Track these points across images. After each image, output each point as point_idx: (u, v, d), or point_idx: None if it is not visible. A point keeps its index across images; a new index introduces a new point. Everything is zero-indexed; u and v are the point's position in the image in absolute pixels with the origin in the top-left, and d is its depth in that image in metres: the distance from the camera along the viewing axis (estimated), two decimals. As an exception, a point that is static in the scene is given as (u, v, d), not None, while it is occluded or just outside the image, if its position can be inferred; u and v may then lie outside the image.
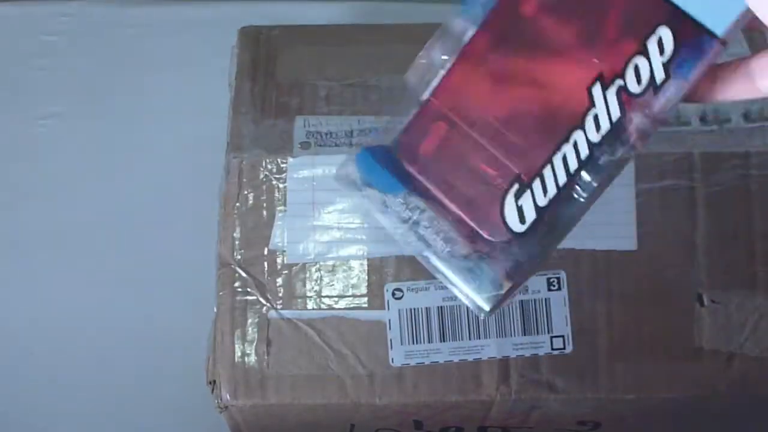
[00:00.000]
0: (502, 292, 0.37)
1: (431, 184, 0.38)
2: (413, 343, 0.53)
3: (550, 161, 0.36)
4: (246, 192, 0.55)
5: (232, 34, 0.63)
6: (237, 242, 0.55)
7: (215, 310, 0.55)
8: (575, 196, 0.36)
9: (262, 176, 0.55)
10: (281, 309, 0.54)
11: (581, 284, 0.54)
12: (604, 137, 0.35)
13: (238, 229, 0.55)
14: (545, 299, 0.54)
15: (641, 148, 0.35)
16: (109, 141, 0.77)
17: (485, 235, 0.37)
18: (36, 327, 0.71)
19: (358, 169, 0.39)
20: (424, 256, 0.38)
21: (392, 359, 0.53)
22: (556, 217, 0.36)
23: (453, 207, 0.37)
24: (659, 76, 0.34)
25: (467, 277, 0.37)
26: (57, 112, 0.78)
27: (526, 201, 0.36)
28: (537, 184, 0.36)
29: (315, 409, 0.54)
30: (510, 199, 0.36)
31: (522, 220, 0.36)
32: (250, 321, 0.54)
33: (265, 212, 0.55)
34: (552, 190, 0.36)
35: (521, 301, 0.54)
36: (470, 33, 0.37)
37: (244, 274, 0.54)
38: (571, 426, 0.56)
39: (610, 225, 0.54)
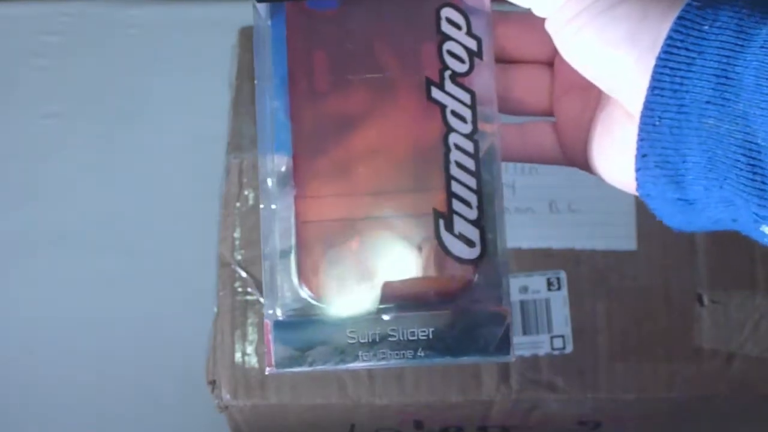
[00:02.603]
0: (507, 324, 0.34)
1: (362, 301, 0.35)
2: (413, 343, 0.53)
3: (449, 177, 0.35)
4: (246, 192, 0.55)
5: (232, 34, 0.63)
6: (237, 242, 0.55)
7: (215, 310, 0.55)
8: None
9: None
10: (281, 309, 0.54)
11: (581, 284, 0.54)
12: (473, 122, 0.35)
13: (238, 229, 0.55)
14: (545, 299, 0.54)
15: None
16: (109, 141, 0.77)
17: (453, 292, 0.34)
18: (36, 327, 0.71)
19: (284, 350, 0.34)
20: (418, 357, 0.34)
21: (392, 359, 0.53)
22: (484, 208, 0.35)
23: (402, 299, 0.34)
24: (470, 43, 0.35)
25: (467, 343, 0.34)
26: (57, 112, 0.78)
27: (460, 225, 0.35)
28: (457, 204, 0.35)
29: (315, 409, 0.54)
30: (446, 236, 0.35)
31: (471, 244, 0.34)
32: (250, 321, 0.54)
33: (265, 212, 0.55)
34: (471, 198, 0.35)
35: (521, 301, 0.54)
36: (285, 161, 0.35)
37: (244, 274, 0.54)
38: (571, 426, 0.56)
39: (610, 225, 0.54)
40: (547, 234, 0.55)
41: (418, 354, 0.34)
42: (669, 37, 0.29)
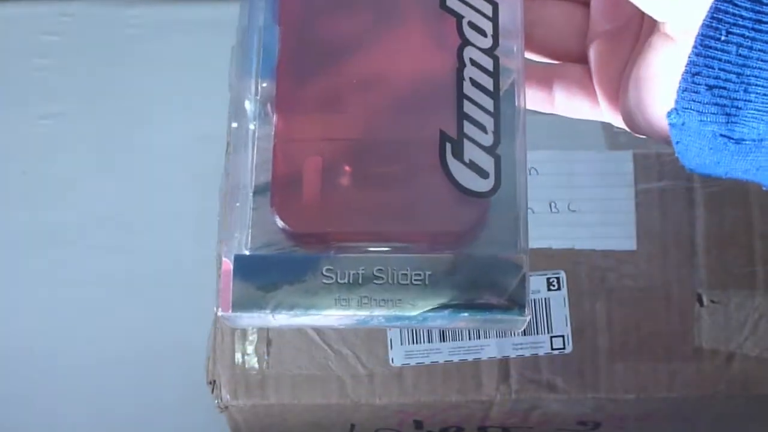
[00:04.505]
0: (522, 275, 0.28)
1: (349, 229, 0.29)
2: (413, 343, 0.53)
3: (462, 96, 0.29)
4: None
5: (232, 34, 0.62)
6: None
7: (215, 310, 0.55)
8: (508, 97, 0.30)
9: (262, 176, 0.55)
10: (281, 309, 0.54)
11: (581, 284, 0.54)
12: (493, 36, 0.30)
13: (238, 230, 0.55)
14: (545, 299, 0.54)
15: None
16: (109, 141, 0.77)
17: (458, 231, 0.29)
18: (36, 327, 0.71)
19: (244, 288, 0.28)
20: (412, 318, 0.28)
21: (392, 359, 0.53)
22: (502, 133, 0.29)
23: (396, 234, 0.29)
24: None
25: (471, 295, 0.28)
26: (57, 112, 0.78)
27: (471, 152, 0.29)
28: (469, 127, 0.29)
29: (315, 409, 0.54)
30: (453, 163, 0.29)
31: (483, 174, 0.29)
32: (250, 321, 0.54)
33: (265, 212, 0.55)
34: (486, 121, 0.29)
35: (521, 301, 0.54)
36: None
37: (244, 274, 0.54)
38: (571, 426, 0.56)
39: (610, 225, 0.54)
40: (547, 234, 0.55)
41: (407, 303, 0.27)
42: None
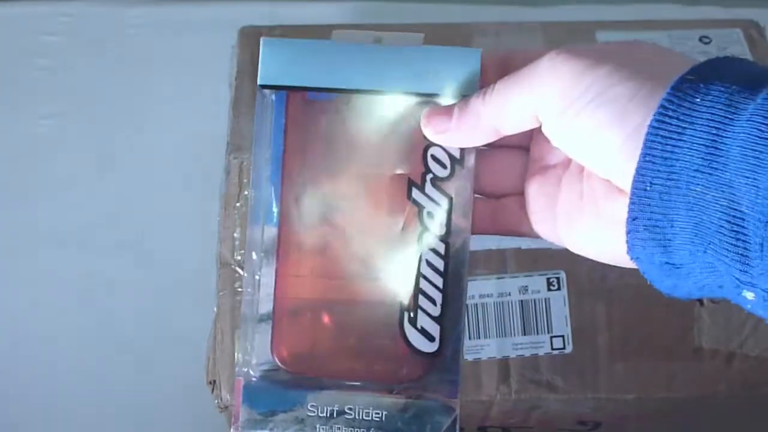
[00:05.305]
0: (455, 416, 0.37)
1: (326, 374, 0.38)
2: (413, 343, 0.53)
3: (419, 274, 0.38)
4: (246, 192, 0.55)
5: (232, 34, 0.63)
6: (237, 242, 0.55)
7: (215, 310, 0.55)
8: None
9: (262, 176, 0.55)
10: (281, 309, 0.54)
11: (581, 284, 0.54)
12: (446, 225, 0.38)
13: (238, 229, 0.55)
14: (545, 299, 0.54)
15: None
16: (109, 141, 0.77)
17: (408, 379, 0.37)
18: (36, 326, 0.71)
19: (249, 414, 0.37)
20: None
21: (392, 359, 0.53)
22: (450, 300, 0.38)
23: (362, 379, 0.38)
24: (454, 151, 0.38)
25: (415, 429, 0.37)
26: (57, 112, 0.79)
27: (423, 320, 0.37)
28: (423, 300, 0.37)
29: (315, 409, 0.54)
30: (409, 328, 0.38)
31: (431, 338, 0.37)
32: (250, 321, 0.54)
33: (265, 212, 0.55)
34: (436, 296, 0.38)
35: (521, 301, 0.54)
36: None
37: (244, 274, 0.54)
38: (571, 426, 0.57)
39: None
40: (547, 234, 0.54)
41: None
42: (661, 106, 0.30)
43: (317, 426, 0.37)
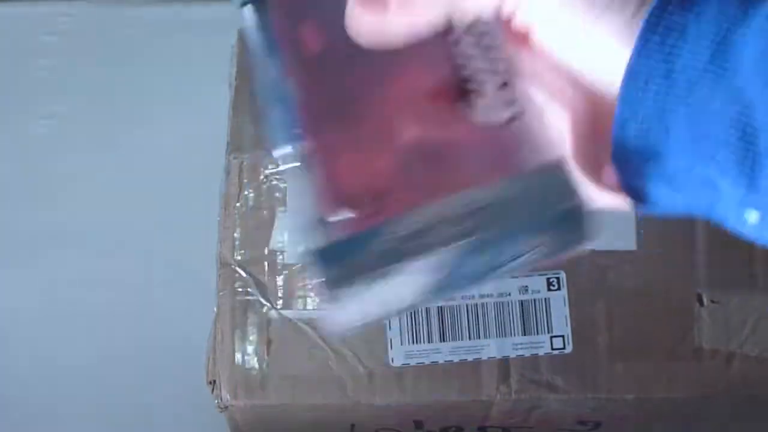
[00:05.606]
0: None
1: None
2: (413, 342, 0.53)
3: None
4: (246, 192, 0.55)
5: (232, 34, 0.63)
6: (237, 242, 0.55)
7: (215, 310, 0.55)
8: None
9: (262, 176, 0.55)
10: (281, 309, 0.54)
11: (581, 284, 0.54)
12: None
13: (238, 230, 0.55)
14: (545, 299, 0.54)
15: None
16: (109, 141, 0.77)
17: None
18: (36, 326, 0.71)
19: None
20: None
21: (392, 359, 0.53)
22: None
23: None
24: None
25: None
26: (57, 112, 0.78)
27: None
28: None
29: (315, 409, 0.54)
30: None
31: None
32: (250, 321, 0.54)
33: (265, 212, 0.55)
34: None
35: (521, 301, 0.54)
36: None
37: (244, 274, 0.54)
38: (571, 426, 0.56)
39: (610, 225, 0.54)
40: (547, 234, 0.54)
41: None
42: None
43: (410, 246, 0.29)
